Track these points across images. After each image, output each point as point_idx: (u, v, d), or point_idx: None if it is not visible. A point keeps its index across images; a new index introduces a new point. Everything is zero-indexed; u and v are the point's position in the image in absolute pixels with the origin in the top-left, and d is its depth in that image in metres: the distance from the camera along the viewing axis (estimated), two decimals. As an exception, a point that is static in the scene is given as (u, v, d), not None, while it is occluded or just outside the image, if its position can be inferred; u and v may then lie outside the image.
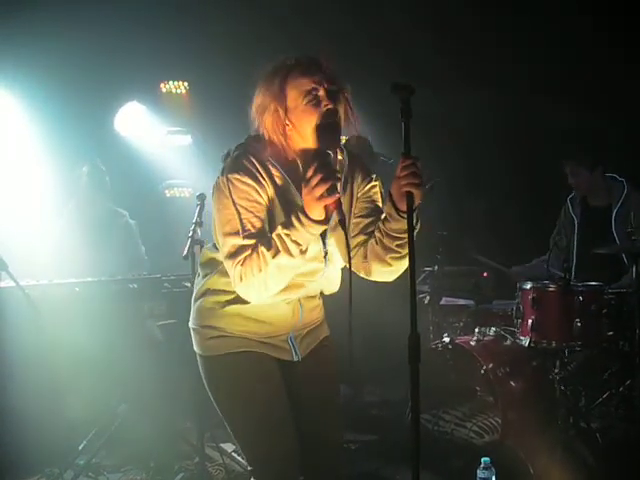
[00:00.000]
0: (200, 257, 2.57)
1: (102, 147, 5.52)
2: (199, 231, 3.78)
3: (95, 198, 4.97)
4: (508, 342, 4.33)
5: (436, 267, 5.14)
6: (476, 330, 4.37)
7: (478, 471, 2.92)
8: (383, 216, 2.31)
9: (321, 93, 2.28)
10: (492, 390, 4.09)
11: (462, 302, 5.35)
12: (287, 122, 2.29)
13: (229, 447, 4.06)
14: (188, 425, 4.26)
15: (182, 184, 6.25)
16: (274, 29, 5.52)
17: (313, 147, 2.29)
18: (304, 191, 2.15)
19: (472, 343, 4.26)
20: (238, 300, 2.37)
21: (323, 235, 2.34)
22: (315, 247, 2.33)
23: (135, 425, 4.22)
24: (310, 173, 2.13)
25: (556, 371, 4.05)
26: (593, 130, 5.34)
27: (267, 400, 2.40)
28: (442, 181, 5.01)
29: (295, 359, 2.49)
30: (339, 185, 2.25)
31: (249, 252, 2.22)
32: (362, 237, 2.43)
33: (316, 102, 2.27)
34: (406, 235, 2.22)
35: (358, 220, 2.45)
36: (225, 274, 2.36)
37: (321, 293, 2.58)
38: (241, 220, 2.24)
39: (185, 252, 3.71)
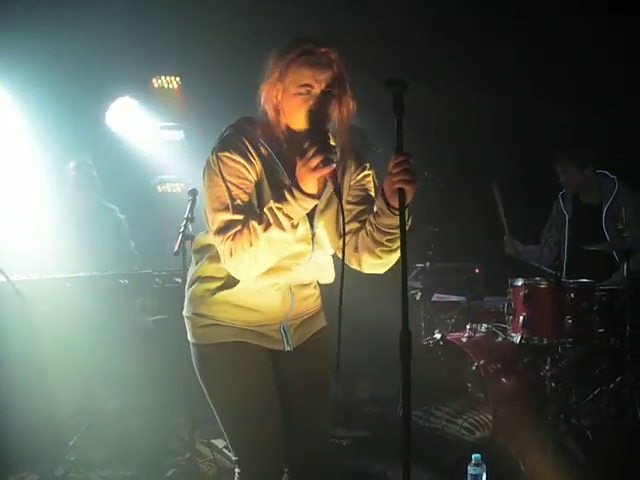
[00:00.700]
0: (193, 245, 2.56)
1: (94, 142, 5.51)
2: (190, 227, 3.77)
3: (83, 193, 4.95)
4: (499, 339, 4.34)
5: (428, 263, 5.15)
6: (467, 327, 4.39)
7: (469, 467, 2.92)
8: (374, 211, 2.30)
9: (315, 91, 2.26)
10: (483, 387, 4.11)
11: (454, 299, 5.36)
12: (279, 97, 2.29)
13: (220, 443, 4.05)
14: (179, 421, 4.25)
15: (174, 179, 6.23)
16: (268, 24, 5.50)
17: (300, 130, 2.30)
18: (299, 164, 2.15)
19: (463, 340, 4.27)
20: (227, 287, 2.37)
21: (311, 217, 2.35)
22: (302, 228, 2.32)
23: (126, 421, 4.22)
24: (306, 145, 2.13)
25: (547, 368, 4.06)
26: (592, 130, 5.35)
27: (256, 392, 2.41)
28: (434, 177, 5.02)
29: (287, 349, 2.48)
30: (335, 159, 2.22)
31: (239, 227, 2.22)
32: (355, 224, 2.42)
33: (305, 97, 2.26)
34: (396, 230, 2.23)
35: (350, 207, 2.44)
36: (214, 260, 2.37)
37: (318, 283, 2.57)
38: (231, 196, 2.25)
39: (176, 248, 3.70)
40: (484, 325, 4.43)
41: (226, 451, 4.00)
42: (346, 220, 2.40)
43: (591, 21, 5.29)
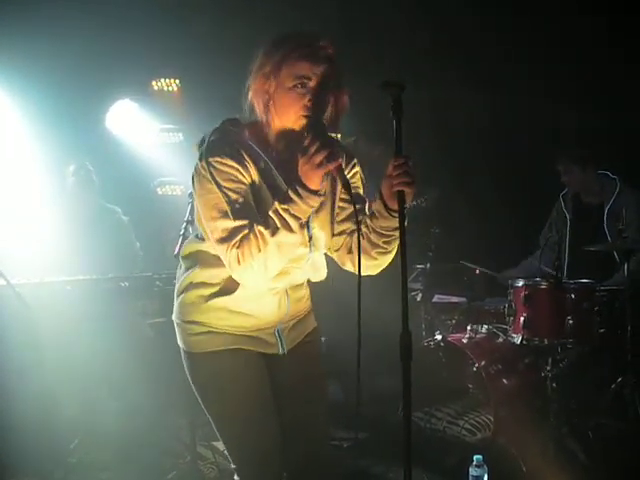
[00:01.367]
0: (182, 250, 2.47)
1: (94, 145, 5.51)
2: (191, 229, 3.77)
3: (82, 196, 4.97)
4: (500, 339, 4.34)
5: (428, 264, 5.15)
6: (468, 328, 4.39)
7: (470, 469, 2.92)
8: (371, 213, 2.29)
9: (312, 84, 2.19)
10: (484, 387, 4.10)
11: (454, 299, 5.35)
12: (271, 91, 2.20)
13: (221, 445, 4.03)
14: (180, 423, 4.25)
15: (174, 182, 6.23)
16: (267, 26, 5.49)
17: (290, 129, 2.23)
18: (302, 161, 2.10)
19: (464, 341, 4.27)
20: (223, 293, 2.32)
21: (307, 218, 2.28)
22: None
23: (127, 424, 4.21)
24: (307, 142, 2.09)
25: (548, 368, 4.06)
26: (593, 130, 5.34)
27: (251, 399, 2.38)
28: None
29: (281, 352, 2.45)
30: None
31: (244, 232, 2.15)
32: (349, 224, 2.40)
33: (301, 91, 2.19)
34: (393, 232, 2.24)
35: (344, 205, 2.42)
36: (207, 266, 2.32)
37: (308, 281, 2.52)
38: (229, 201, 2.16)
39: (176, 250, 3.70)
40: (485, 326, 4.43)
41: (227, 454, 4.00)
42: (340, 218, 2.40)
43: (591, 21, 5.28)
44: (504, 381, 4.15)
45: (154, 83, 6.20)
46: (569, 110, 5.58)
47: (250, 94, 2.25)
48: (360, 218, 2.28)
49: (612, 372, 4.20)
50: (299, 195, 2.11)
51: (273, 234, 2.13)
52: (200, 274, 2.36)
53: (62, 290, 4.09)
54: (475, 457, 2.92)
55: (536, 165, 5.42)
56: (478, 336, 4.33)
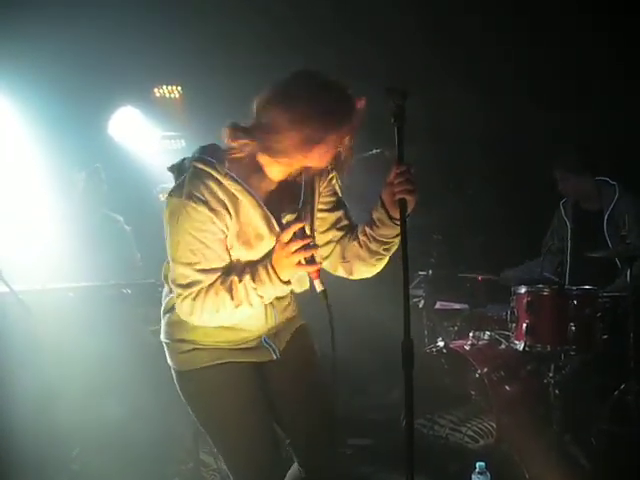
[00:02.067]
0: (163, 269, 2.44)
1: (96, 152, 5.51)
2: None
3: (90, 204, 4.96)
4: (503, 346, 4.33)
5: (430, 271, 5.14)
6: (470, 334, 4.39)
7: (473, 475, 2.91)
8: (372, 222, 2.29)
9: (345, 144, 2.18)
10: (487, 394, 4.10)
11: (457, 306, 5.35)
12: (314, 143, 2.11)
13: (223, 453, 4.04)
14: (183, 430, 4.24)
15: (176, 188, 6.24)
16: (269, 32, 5.51)
17: (286, 169, 2.23)
18: (279, 251, 2.15)
19: (467, 347, 4.27)
20: None
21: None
22: None
23: (129, 430, 4.21)
24: (288, 237, 2.13)
25: (551, 375, 4.05)
26: (591, 133, 5.34)
27: (243, 411, 2.38)
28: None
29: (275, 357, 2.46)
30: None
31: (203, 287, 2.18)
32: (335, 232, 2.40)
33: (334, 154, 2.19)
34: (393, 239, 2.25)
35: (325, 215, 2.40)
36: None
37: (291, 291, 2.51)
38: (193, 251, 2.17)
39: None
40: (487, 333, 4.43)
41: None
42: (323, 229, 2.40)
43: (591, 21, 5.29)
44: (507, 388, 4.14)
45: (156, 90, 6.23)
46: (568, 111, 5.57)
47: (280, 123, 2.11)
48: (343, 224, 2.38)
49: (615, 379, 4.19)
50: (270, 280, 2.17)
51: (237, 306, 2.19)
52: None
53: (64, 297, 4.09)
54: (478, 464, 2.92)
55: (536, 166, 5.42)
56: (480, 343, 4.33)
